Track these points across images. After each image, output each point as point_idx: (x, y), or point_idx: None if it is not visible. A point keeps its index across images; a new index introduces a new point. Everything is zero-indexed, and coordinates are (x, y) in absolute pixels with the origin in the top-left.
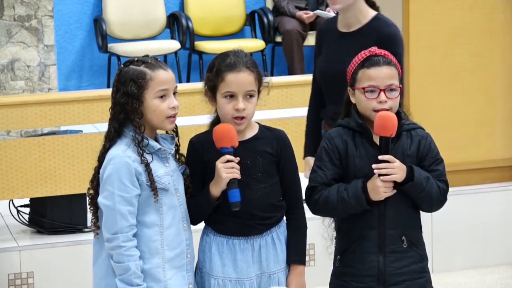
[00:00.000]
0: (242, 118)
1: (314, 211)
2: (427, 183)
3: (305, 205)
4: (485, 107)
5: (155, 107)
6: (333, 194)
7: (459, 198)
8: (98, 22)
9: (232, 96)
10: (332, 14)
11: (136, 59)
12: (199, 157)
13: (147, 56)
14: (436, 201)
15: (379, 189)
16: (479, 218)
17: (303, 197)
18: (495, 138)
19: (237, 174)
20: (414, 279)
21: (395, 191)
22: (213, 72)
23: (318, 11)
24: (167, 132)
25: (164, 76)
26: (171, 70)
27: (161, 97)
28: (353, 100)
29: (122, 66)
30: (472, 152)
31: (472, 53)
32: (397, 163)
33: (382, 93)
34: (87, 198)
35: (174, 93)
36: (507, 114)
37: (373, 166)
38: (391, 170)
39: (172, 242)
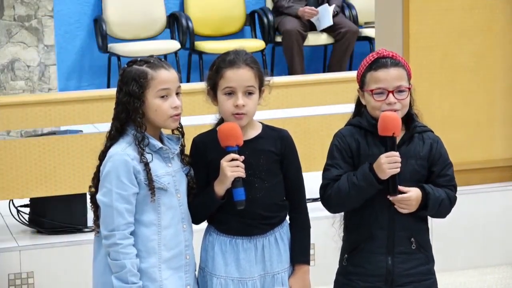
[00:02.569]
0: (242, 114)
1: (330, 208)
2: (439, 207)
3: (309, 205)
4: (485, 107)
5: (156, 106)
6: (344, 183)
7: (459, 198)
8: (98, 22)
9: (231, 93)
10: (330, 13)
11: (139, 59)
12: (202, 156)
13: (151, 56)
14: (446, 213)
15: (383, 165)
16: (479, 218)
17: (307, 196)
18: (495, 138)
19: (242, 173)
20: (420, 280)
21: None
22: (213, 70)
23: (320, 8)
24: (173, 132)
25: (165, 75)
26: (174, 70)
27: (163, 97)
28: (363, 101)
29: (126, 66)
30: (472, 152)
31: (472, 53)
32: (413, 198)
33: (390, 94)
34: (88, 196)
35: (178, 94)
36: (507, 114)
37: (390, 198)
38: (405, 207)
39: (170, 242)
